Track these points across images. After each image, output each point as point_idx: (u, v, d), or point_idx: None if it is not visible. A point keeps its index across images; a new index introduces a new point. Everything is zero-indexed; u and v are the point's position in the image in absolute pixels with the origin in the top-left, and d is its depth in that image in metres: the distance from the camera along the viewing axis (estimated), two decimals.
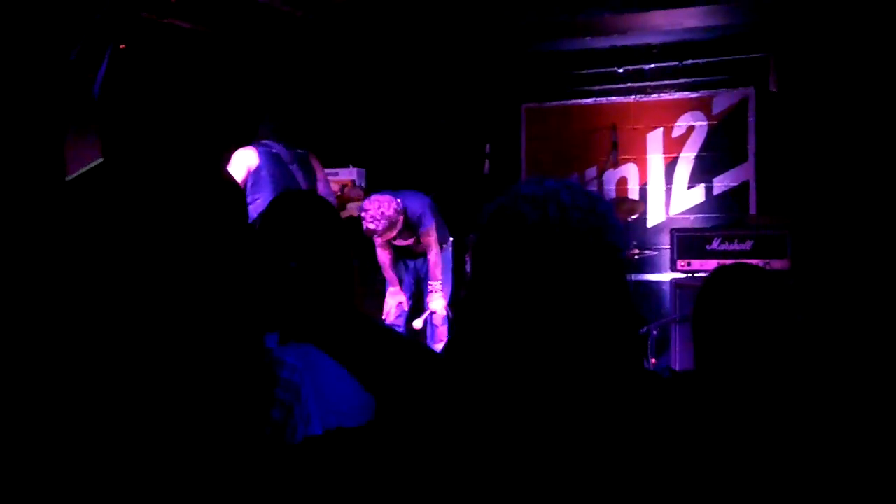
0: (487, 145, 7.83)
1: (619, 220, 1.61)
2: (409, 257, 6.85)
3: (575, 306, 1.51)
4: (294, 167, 5.95)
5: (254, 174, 5.76)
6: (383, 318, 6.75)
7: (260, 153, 5.82)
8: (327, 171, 8.06)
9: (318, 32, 7.42)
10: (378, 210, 6.24)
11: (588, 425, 1.48)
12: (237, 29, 7.03)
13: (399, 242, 6.65)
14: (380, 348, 1.98)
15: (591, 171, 8.36)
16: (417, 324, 6.66)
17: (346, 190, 6.84)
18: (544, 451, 1.46)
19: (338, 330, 1.94)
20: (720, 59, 8.02)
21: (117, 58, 6.28)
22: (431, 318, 6.62)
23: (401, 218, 6.34)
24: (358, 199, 6.85)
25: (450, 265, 6.94)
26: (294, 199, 2.66)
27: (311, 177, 6.01)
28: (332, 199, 6.16)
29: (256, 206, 5.49)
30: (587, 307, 1.52)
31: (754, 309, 2.43)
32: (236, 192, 1.91)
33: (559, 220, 1.52)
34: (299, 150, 6.08)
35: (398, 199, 6.36)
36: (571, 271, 1.51)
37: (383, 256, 6.72)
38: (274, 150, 5.90)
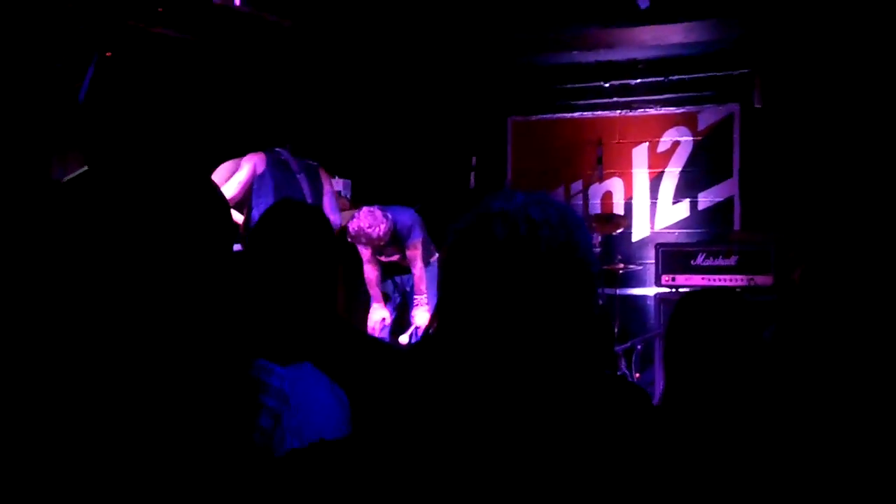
0: (473, 158, 7.84)
1: (590, 234, 1.63)
2: (396, 273, 6.84)
3: (545, 323, 1.51)
4: (301, 176, 5.98)
5: (258, 179, 5.79)
6: (369, 333, 6.74)
7: (267, 159, 5.88)
8: None
9: (304, 43, 7.42)
10: (376, 223, 6.24)
11: (557, 441, 1.48)
12: (224, 38, 7.02)
13: (385, 258, 6.64)
14: (365, 357, 1.98)
15: (577, 185, 8.38)
16: (403, 339, 6.65)
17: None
18: (513, 464, 1.46)
19: (325, 341, 1.94)
20: (706, 75, 8.06)
21: (103, 66, 6.28)
22: (417, 332, 6.60)
23: (389, 226, 6.35)
24: (344, 210, 6.83)
25: (435, 278, 6.93)
26: (284, 211, 2.65)
27: (317, 189, 6.04)
28: (336, 215, 6.17)
29: (260, 210, 5.49)
30: (557, 324, 1.52)
31: (717, 334, 2.44)
32: (220, 203, 1.89)
33: (529, 237, 1.51)
34: (310, 162, 6.13)
35: (387, 213, 6.36)
36: (542, 289, 1.51)
37: (370, 272, 6.70)
38: (283, 158, 5.94)
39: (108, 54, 6.19)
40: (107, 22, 6.17)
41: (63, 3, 5.81)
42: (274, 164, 5.88)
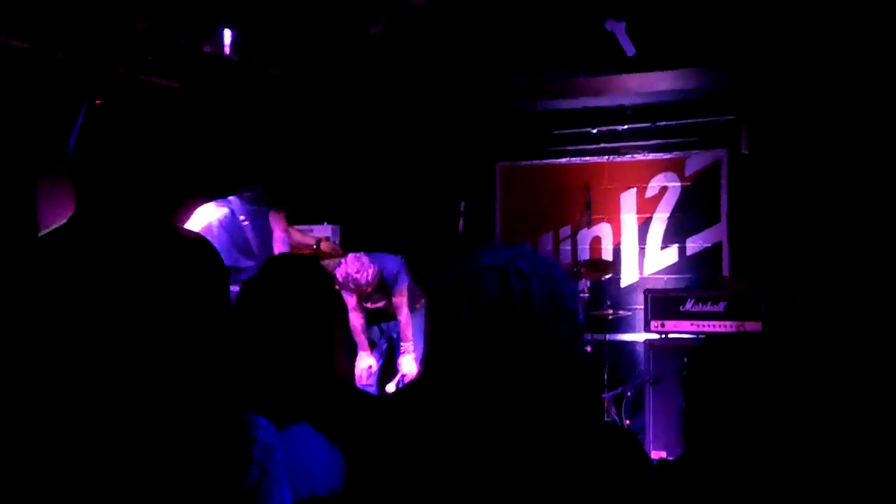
0: (462, 203, 7.85)
1: (575, 285, 1.70)
2: (382, 319, 6.81)
3: (535, 372, 1.56)
4: (247, 224, 5.95)
5: (208, 231, 5.79)
6: (356, 382, 6.70)
7: (216, 208, 5.89)
8: (301, 227, 8.07)
9: (293, 89, 7.45)
10: (364, 269, 6.23)
11: (550, 491, 1.49)
12: (213, 86, 7.05)
13: (371, 305, 6.62)
14: (356, 413, 1.97)
15: (566, 230, 8.40)
16: (390, 387, 6.60)
17: (322, 244, 6.79)
18: None
19: (318, 400, 1.94)
20: (693, 121, 8.12)
21: (93, 113, 6.29)
22: (403, 380, 6.56)
23: (374, 272, 6.33)
24: (335, 255, 6.80)
25: (423, 325, 6.88)
26: (279, 267, 2.63)
27: (263, 235, 5.99)
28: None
29: None
30: (546, 373, 1.57)
31: (743, 381, 2.40)
32: (214, 259, 1.89)
33: (521, 289, 1.58)
34: (259, 207, 6.07)
35: (370, 258, 6.35)
36: (532, 339, 1.57)
37: (355, 320, 6.66)
38: (230, 207, 5.94)
39: (97, 101, 6.21)
40: (96, 69, 6.19)
41: (52, 50, 5.83)
42: (222, 212, 5.90)
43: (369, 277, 6.21)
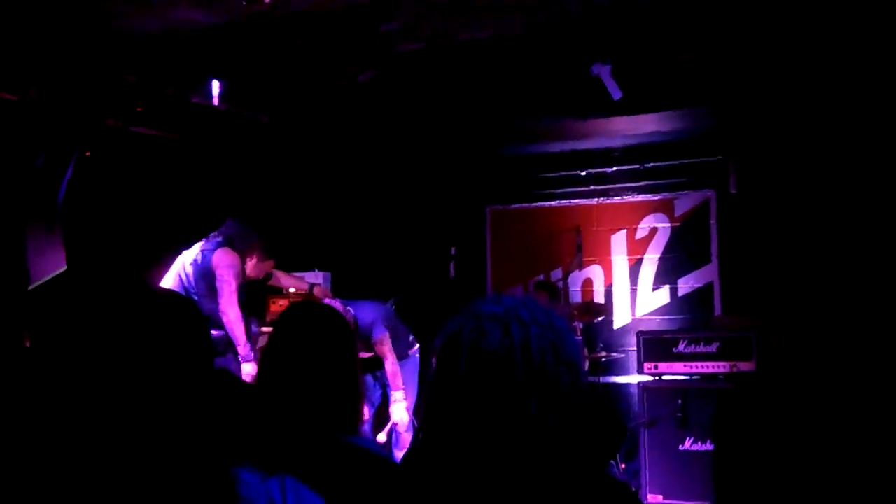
0: (453, 248, 7.86)
1: (574, 334, 1.70)
2: (377, 368, 6.74)
3: (539, 423, 1.56)
4: (193, 265, 5.90)
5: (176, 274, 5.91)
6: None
7: (189, 252, 5.94)
8: (292, 274, 8.05)
9: (282, 137, 7.49)
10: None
11: None
12: (203, 135, 7.08)
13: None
14: (351, 469, 1.96)
15: (557, 273, 8.40)
16: (381, 437, 6.54)
17: (315, 290, 6.77)
18: None
19: (310, 452, 1.93)
20: (681, 162, 8.17)
21: (83, 165, 6.29)
22: (395, 427, 6.49)
23: (352, 324, 6.26)
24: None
25: (416, 371, 6.83)
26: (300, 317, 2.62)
27: (202, 276, 5.89)
28: (226, 302, 5.93)
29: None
30: (547, 421, 1.56)
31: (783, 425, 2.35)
32: (197, 317, 1.88)
33: (522, 338, 1.59)
34: (206, 248, 5.94)
35: (345, 304, 6.30)
36: (533, 386, 1.56)
37: None
38: (183, 251, 5.98)
39: (87, 154, 6.22)
40: (86, 121, 6.21)
41: (42, 102, 5.85)
42: (191, 258, 5.92)
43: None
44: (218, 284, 5.78)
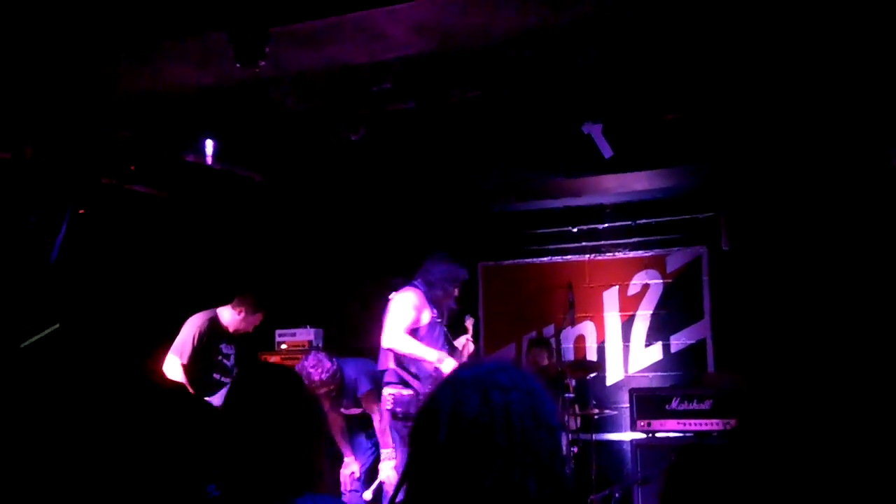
0: None
1: (552, 397, 1.69)
2: (371, 425, 6.68)
3: (517, 487, 1.54)
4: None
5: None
6: (341, 488, 6.58)
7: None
8: (284, 331, 8.05)
9: (275, 196, 7.52)
10: (310, 363, 6.20)
11: None
12: (197, 194, 7.11)
13: (345, 411, 6.54)
14: None
15: (549, 329, 8.39)
16: (367, 495, 6.48)
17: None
18: None
19: None
20: (672, 218, 8.19)
21: (77, 223, 6.31)
22: (383, 485, 6.42)
23: (336, 375, 6.26)
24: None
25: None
26: (256, 380, 2.62)
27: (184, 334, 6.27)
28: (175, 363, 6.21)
29: None
30: (527, 487, 1.54)
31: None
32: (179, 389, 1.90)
33: (502, 404, 1.57)
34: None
35: (334, 360, 6.30)
36: (514, 452, 1.55)
37: (332, 425, 6.56)
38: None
39: (81, 211, 6.24)
40: (79, 179, 6.24)
41: (35, 160, 5.88)
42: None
43: (323, 376, 6.13)
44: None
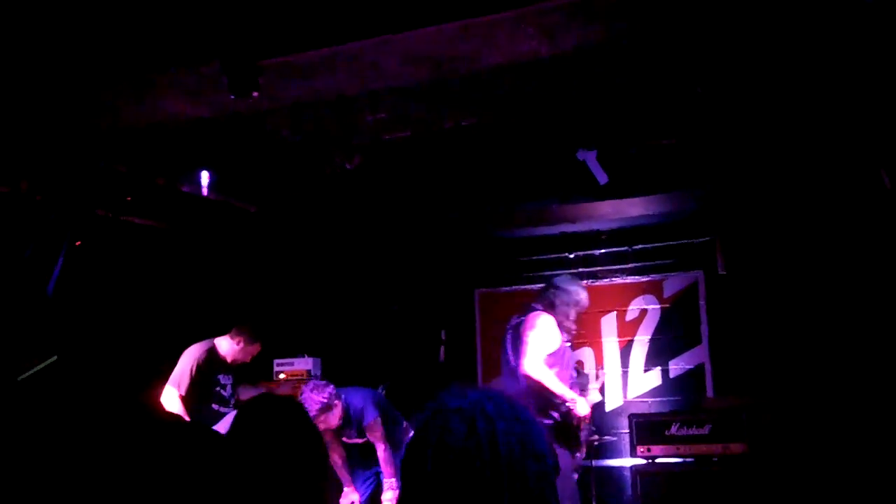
0: (443, 332, 7.85)
1: (541, 426, 1.69)
2: (371, 455, 6.64)
3: None
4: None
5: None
6: None
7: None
8: (282, 361, 8.04)
9: (271, 226, 7.53)
10: (311, 393, 6.12)
11: None
12: (192, 224, 7.12)
13: (347, 440, 6.51)
14: None
15: None
16: None
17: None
18: None
19: None
20: (668, 243, 8.20)
21: (73, 255, 6.32)
22: None
23: (338, 403, 6.19)
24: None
25: None
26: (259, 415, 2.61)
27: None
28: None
29: None
30: None
31: None
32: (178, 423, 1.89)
33: (488, 433, 1.57)
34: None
35: (335, 389, 6.24)
36: (501, 482, 1.55)
37: (333, 455, 6.52)
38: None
39: (77, 243, 6.25)
40: (76, 211, 6.25)
41: (32, 194, 5.90)
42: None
43: (321, 404, 6.06)
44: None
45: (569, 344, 6.03)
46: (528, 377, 5.73)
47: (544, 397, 5.70)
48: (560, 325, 5.96)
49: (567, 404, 5.65)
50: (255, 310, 7.24)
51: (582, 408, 5.68)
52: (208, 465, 2.05)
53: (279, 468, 2.43)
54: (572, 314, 6.05)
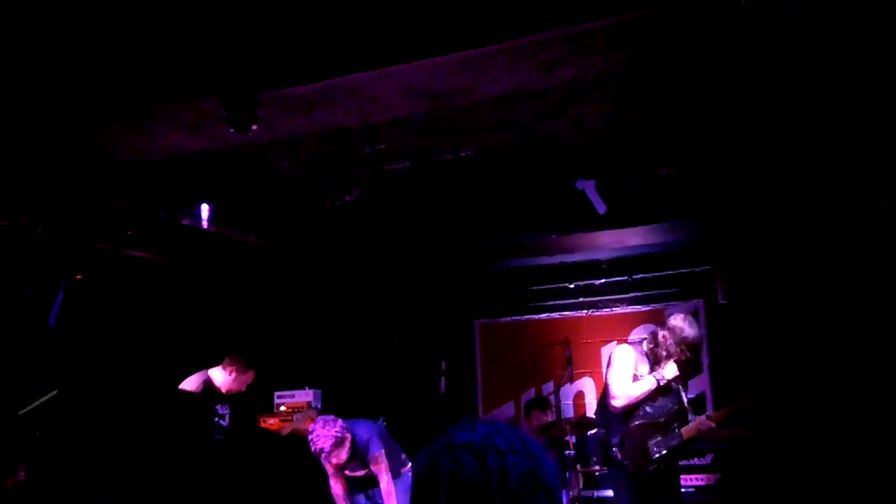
0: (443, 363, 7.83)
1: (552, 460, 1.69)
2: (369, 486, 6.64)
3: None
4: None
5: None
6: None
7: None
8: (283, 393, 8.03)
9: (271, 257, 7.54)
10: (323, 429, 6.11)
11: None
12: (192, 257, 7.13)
13: (350, 473, 6.48)
14: None
15: (548, 386, 8.34)
16: None
17: (296, 417, 6.75)
18: None
19: None
20: (669, 272, 8.20)
21: (74, 289, 6.32)
22: None
23: (348, 437, 6.19)
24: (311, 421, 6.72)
25: (408, 490, 6.71)
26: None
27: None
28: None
29: None
30: None
31: None
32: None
33: (499, 468, 1.58)
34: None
35: (343, 423, 6.23)
36: None
37: (335, 487, 6.50)
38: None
39: (78, 277, 6.26)
40: (76, 245, 6.26)
41: (32, 228, 5.91)
42: None
43: (331, 440, 6.07)
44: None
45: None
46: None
47: None
48: (652, 357, 6.07)
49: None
50: (245, 338, 7.24)
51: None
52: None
53: None
54: (673, 350, 6.07)
